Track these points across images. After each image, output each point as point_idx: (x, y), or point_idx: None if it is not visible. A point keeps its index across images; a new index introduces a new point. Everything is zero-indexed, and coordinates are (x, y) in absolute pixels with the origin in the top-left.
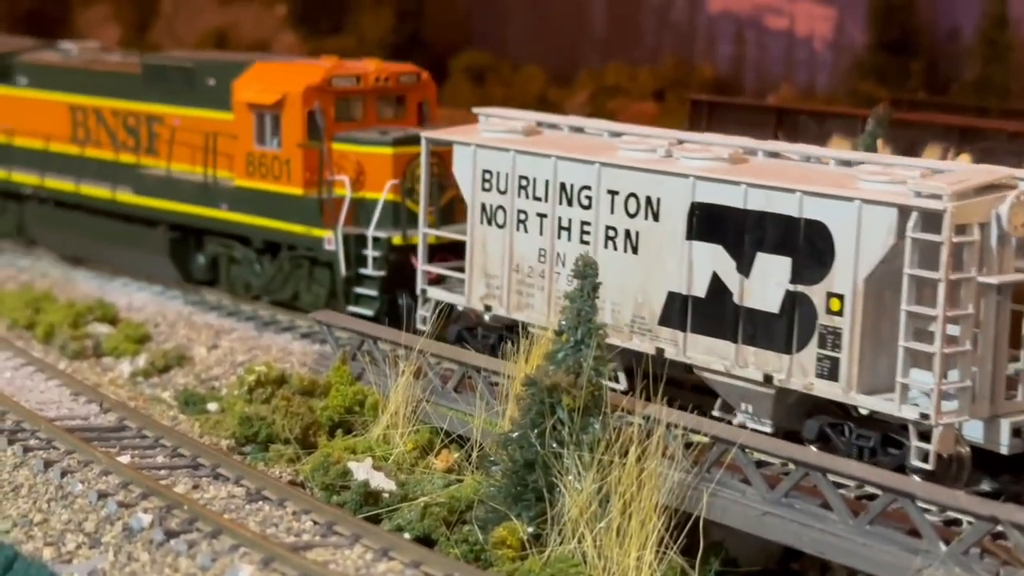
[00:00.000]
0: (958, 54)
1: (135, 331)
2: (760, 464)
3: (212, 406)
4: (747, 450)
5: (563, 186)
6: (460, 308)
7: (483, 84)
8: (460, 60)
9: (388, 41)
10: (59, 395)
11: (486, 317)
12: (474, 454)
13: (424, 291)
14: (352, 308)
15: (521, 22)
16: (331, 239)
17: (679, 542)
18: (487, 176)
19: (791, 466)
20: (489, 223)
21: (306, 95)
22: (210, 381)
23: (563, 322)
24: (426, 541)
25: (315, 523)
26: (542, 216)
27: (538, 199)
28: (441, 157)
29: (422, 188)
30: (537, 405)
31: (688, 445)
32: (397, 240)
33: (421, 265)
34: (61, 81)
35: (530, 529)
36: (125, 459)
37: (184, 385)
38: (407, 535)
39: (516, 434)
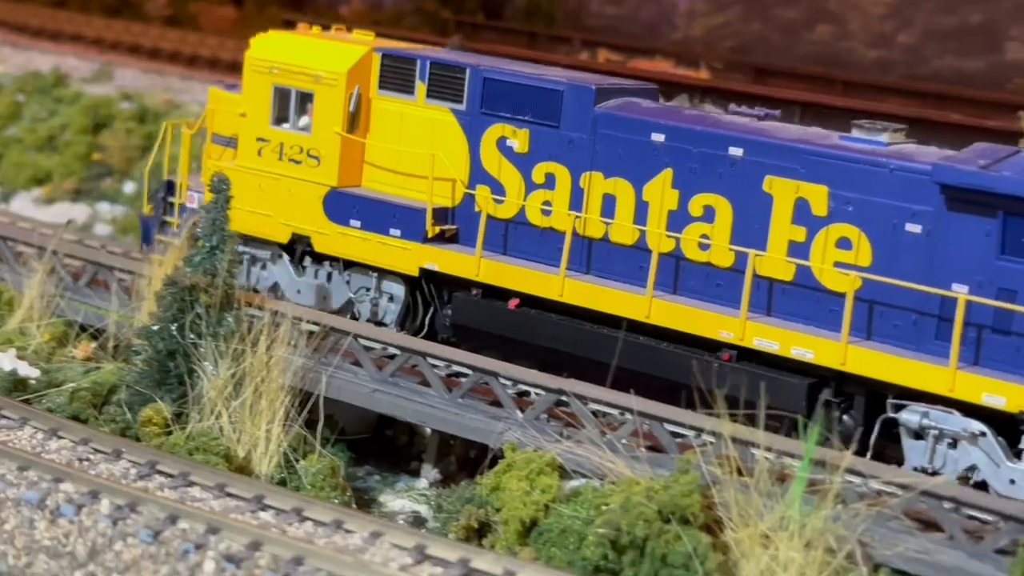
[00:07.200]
0: None
1: None
2: (369, 350)
3: None
4: (359, 338)
5: None
6: None
7: None
8: None
9: None
10: None
11: None
12: (110, 344)
13: None
14: None
15: None
16: None
17: (303, 416)
18: None
19: (396, 351)
20: None
21: None
22: None
23: (199, 230)
24: (77, 421)
25: None
26: None
27: None
28: None
29: None
30: (178, 302)
31: (312, 334)
32: None
33: None
34: None
35: (173, 409)
36: None
37: None
38: (58, 417)
39: (157, 327)
